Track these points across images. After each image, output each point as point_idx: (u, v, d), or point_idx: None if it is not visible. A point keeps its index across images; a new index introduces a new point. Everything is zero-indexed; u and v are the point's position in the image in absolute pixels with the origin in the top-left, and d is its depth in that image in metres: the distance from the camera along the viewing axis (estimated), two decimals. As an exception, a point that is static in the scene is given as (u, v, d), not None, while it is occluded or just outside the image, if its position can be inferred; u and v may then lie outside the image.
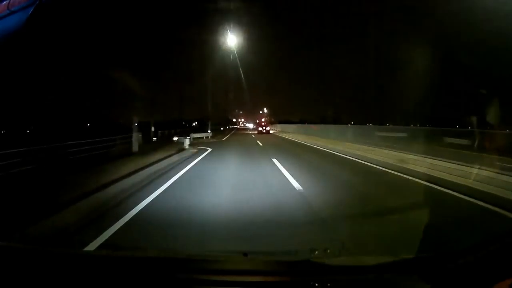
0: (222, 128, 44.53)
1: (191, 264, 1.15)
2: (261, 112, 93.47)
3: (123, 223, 2.74)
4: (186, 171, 5.77)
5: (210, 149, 10.83)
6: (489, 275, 0.93)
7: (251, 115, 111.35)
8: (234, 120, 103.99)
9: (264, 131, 27.31)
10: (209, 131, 21.54)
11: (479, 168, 4.45)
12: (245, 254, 1.24)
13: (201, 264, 1.16)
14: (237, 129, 56.22)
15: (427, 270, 1.03)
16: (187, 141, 12.07)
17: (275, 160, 6.99)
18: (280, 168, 5.86)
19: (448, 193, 3.95)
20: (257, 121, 32.30)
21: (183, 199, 3.70)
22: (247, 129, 55.30)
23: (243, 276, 1.03)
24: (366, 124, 28.51)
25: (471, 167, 4.65)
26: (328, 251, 1.89)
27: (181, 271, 1.06)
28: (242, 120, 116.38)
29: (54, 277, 0.96)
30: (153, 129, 15.25)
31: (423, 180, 4.61)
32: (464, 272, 0.99)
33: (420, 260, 1.15)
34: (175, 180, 4.84)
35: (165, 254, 1.42)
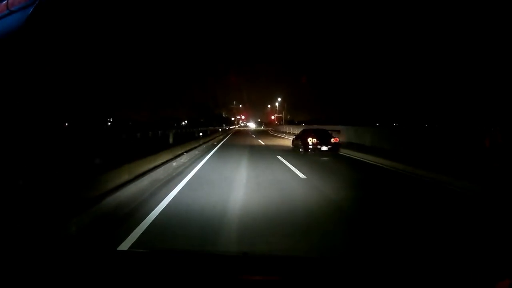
0: (215, 128, 33.26)
1: (190, 264, 1.23)
2: (269, 106, 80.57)
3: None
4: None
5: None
6: (489, 275, 1.03)
7: (253, 111, 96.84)
8: (233, 118, 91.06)
9: (327, 148, 10.38)
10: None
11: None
12: (245, 254, 1.31)
13: (200, 264, 1.23)
14: (234, 132, 38.91)
15: (428, 270, 1.12)
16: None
17: None
18: None
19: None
20: (307, 132, 11.39)
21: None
22: (249, 131, 38.44)
23: (243, 276, 1.11)
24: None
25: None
26: (328, 251, 2.02)
27: (181, 271, 1.14)
28: (243, 117, 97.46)
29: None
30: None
31: None
32: (464, 272, 1.10)
33: (420, 260, 1.26)
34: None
35: (165, 254, 1.51)
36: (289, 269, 1.18)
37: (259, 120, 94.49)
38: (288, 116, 54.89)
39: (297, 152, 11.30)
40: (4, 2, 1.78)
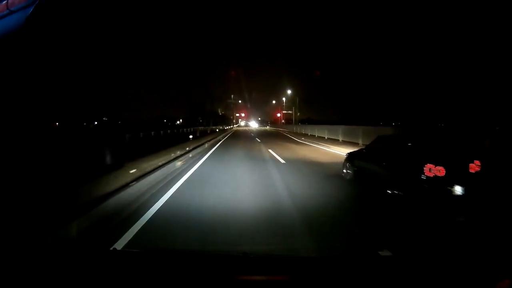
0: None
1: (188, 264, 1.26)
2: (274, 102, 66.09)
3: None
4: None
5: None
6: (489, 275, 1.08)
7: (254, 109, 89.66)
8: (231, 117, 79.48)
9: None
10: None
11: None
12: (245, 254, 1.33)
13: (200, 263, 1.26)
14: (232, 133, 28.63)
15: (429, 270, 1.16)
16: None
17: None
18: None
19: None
20: None
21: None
22: (253, 135, 25.20)
23: (243, 275, 1.14)
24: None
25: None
26: (327, 251, 2.08)
27: (179, 271, 1.17)
28: (242, 115, 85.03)
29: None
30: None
31: None
32: (464, 272, 1.14)
33: (421, 260, 1.31)
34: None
35: (163, 254, 1.55)
36: (289, 269, 1.22)
37: (259, 118, 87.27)
38: (298, 114, 43.68)
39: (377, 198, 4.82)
40: (4, 2, 1.82)
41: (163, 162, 6.95)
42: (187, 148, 10.26)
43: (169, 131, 27.98)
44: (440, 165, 3.88)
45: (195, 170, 7.16)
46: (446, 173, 3.84)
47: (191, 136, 13.87)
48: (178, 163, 7.65)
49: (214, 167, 7.70)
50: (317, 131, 23.66)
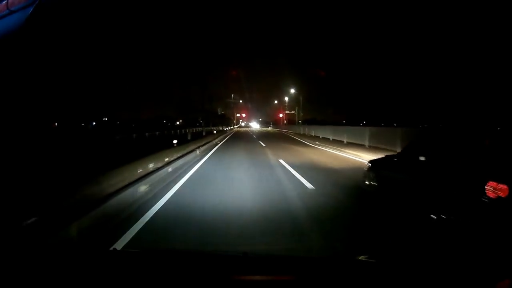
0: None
1: (190, 263, 1.26)
2: (276, 101, 65.81)
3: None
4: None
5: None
6: (489, 275, 1.08)
7: (255, 109, 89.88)
8: (231, 117, 79.87)
9: None
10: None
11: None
12: (244, 254, 1.32)
13: (200, 263, 1.27)
14: (228, 137, 24.55)
15: (429, 270, 1.17)
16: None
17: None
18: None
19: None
20: None
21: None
22: (252, 138, 23.29)
23: (243, 275, 1.14)
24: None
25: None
26: (327, 251, 2.10)
27: (181, 270, 1.17)
28: (243, 115, 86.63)
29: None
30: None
31: None
32: (464, 272, 1.15)
33: (421, 260, 1.32)
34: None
35: (166, 254, 1.55)
36: (289, 269, 1.22)
37: (260, 119, 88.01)
38: (301, 114, 42.70)
39: None
40: (4, 2, 1.83)
41: (122, 185, 4.46)
42: (166, 159, 7.72)
43: (157, 132, 27.03)
44: (503, 183, 2.91)
45: (160, 208, 4.32)
46: (509, 192, 2.88)
47: (175, 142, 10.56)
48: (142, 188, 5.00)
49: (200, 198, 4.98)
50: (331, 133, 19.56)
